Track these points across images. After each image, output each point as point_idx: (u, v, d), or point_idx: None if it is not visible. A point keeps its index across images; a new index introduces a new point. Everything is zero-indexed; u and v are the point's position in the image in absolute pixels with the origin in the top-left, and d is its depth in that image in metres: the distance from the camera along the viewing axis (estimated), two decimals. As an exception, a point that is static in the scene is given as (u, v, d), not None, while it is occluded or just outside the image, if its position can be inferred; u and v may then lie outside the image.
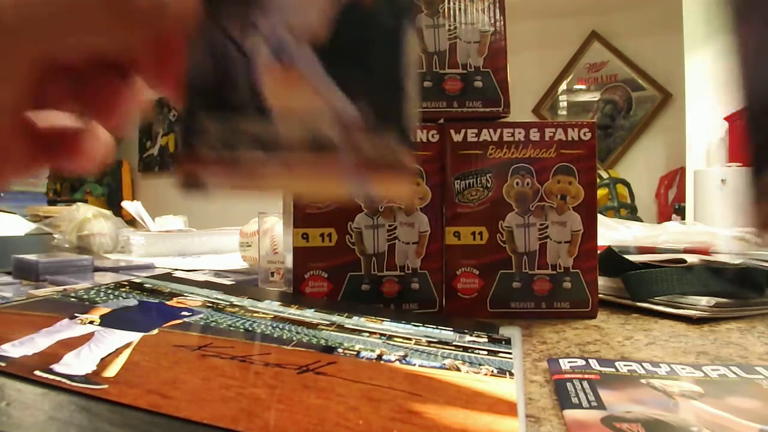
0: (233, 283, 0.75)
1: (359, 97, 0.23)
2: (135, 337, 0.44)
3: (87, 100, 0.23)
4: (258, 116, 0.22)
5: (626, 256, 0.70)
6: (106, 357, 0.39)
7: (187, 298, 0.54)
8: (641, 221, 1.97)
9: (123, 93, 0.24)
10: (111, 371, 0.37)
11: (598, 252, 0.64)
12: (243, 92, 0.22)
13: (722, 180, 2.52)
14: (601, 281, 0.67)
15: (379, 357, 0.40)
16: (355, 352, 0.41)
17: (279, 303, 0.55)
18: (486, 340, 0.47)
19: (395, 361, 0.40)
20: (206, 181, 0.22)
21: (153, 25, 0.21)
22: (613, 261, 0.70)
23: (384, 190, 0.22)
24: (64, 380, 0.35)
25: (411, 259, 0.61)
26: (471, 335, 0.48)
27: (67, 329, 0.45)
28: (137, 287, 0.59)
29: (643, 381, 0.37)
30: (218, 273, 0.88)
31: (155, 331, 0.46)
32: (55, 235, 1.33)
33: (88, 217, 1.32)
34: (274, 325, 0.46)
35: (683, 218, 2.83)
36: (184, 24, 0.22)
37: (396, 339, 0.45)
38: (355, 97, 0.23)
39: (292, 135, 0.22)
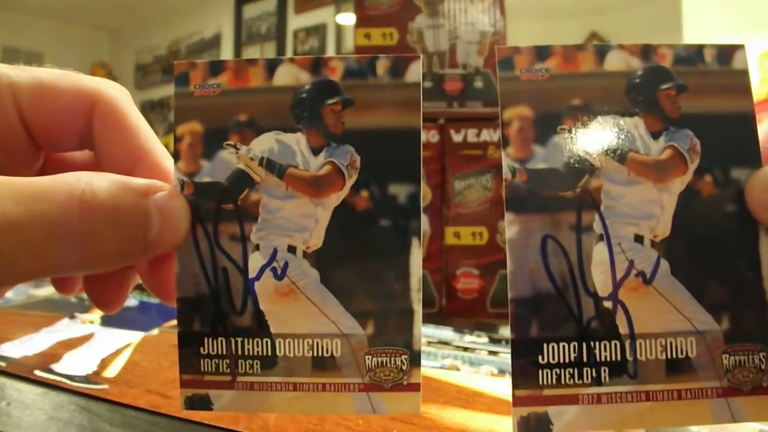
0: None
1: (364, 315, 0.21)
2: (135, 337, 0.44)
3: (90, 290, 0.24)
4: (260, 338, 0.21)
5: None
6: (106, 357, 0.39)
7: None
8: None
9: (122, 285, 0.24)
10: (111, 371, 0.37)
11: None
12: (243, 312, 0.22)
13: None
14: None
15: (379, 357, 0.40)
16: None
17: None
18: (486, 340, 0.47)
19: (395, 360, 0.40)
20: (213, 403, 0.22)
21: (131, 260, 0.20)
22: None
23: (392, 408, 0.21)
24: (64, 380, 0.35)
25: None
26: (471, 335, 0.48)
27: (67, 329, 0.45)
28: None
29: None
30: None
31: (155, 331, 0.46)
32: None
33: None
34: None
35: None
36: (170, 248, 0.21)
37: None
38: (359, 316, 0.21)
39: (295, 355, 0.21)
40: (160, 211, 0.20)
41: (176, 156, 0.22)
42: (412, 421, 0.30)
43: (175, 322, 0.22)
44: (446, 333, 0.48)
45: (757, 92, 2.25)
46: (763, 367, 0.21)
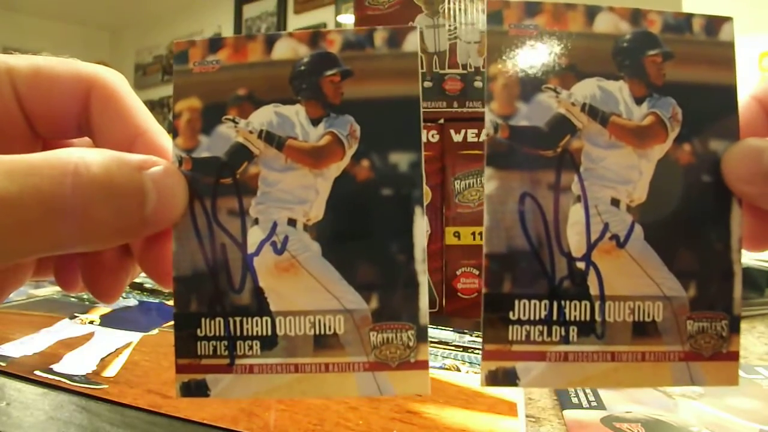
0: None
1: (367, 289, 0.20)
2: (135, 336, 0.44)
3: (87, 279, 0.23)
4: (259, 317, 0.21)
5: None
6: (106, 357, 0.39)
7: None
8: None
9: (120, 274, 0.23)
10: (111, 371, 0.37)
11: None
12: (241, 289, 0.21)
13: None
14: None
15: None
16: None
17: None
18: (486, 340, 0.47)
19: (395, 361, 0.40)
20: (210, 389, 0.21)
21: (129, 236, 0.20)
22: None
23: (401, 389, 0.20)
24: (64, 380, 0.35)
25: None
26: (471, 335, 0.48)
27: (67, 329, 0.45)
28: (137, 287, 0.59)
29: (643, 381, 0.37)
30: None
31: (155, 331, 0.46)
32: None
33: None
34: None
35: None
36: (168, 224, 0.21)
37: (396, 339, 0.45)
38: (362, 289, 0.20)
39: (296, 334, 0.21)
40: (156, 185, 0.19)
41: (174, 132, 0.21)
42: (411, 421, 0.30)
43: (175, 322, 0.22)
44: (446, 333, 0.48)
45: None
46: (724, 334, 0.21)
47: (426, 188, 0.62)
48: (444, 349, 0.44)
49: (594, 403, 0.33)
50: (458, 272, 0.62)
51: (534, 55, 0.21)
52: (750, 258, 0.73)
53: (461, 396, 0.34)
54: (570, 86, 0.22)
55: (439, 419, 0.31)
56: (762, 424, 0.31)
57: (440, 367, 0.39)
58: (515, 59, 0.21)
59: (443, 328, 0.50)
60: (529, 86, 0.21)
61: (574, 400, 0.34)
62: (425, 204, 0.66)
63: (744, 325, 0.59)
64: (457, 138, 0.62)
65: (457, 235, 0.62)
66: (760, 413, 0.32)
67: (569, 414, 0.32)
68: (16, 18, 3.95)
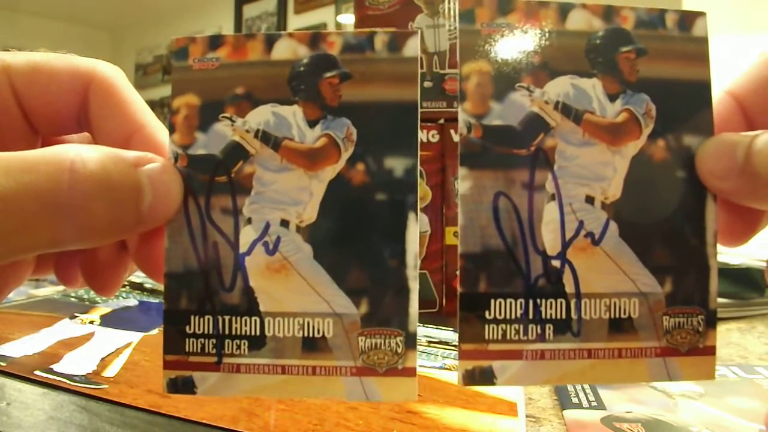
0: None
1: (358, 293, 0.20)
2: (135, 336, 0.44)
3: (86, 274, 0.23)
4: (248, 316, 0.21)
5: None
6: (106, 357, 0.39)
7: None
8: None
9: (119, 268, 0.23)
10: (111, 371, 0.37)
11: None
12: (232, 288, 0.21)
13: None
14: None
15: (379, 357, 0.40)
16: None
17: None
18: (486, 340, 0.47)
19: (395, 361, 0.39)
20: (197, 387, 0.21)
21: (125, 233, 0.20)
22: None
23: (386, 395, 0.20)
24: (64, 380, 0.35)
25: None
26: (471, 335, 0.48)
27: (67, 329, 0.45)
28: (137, 287, 0.59)
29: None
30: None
31: (155, 331, 0.46)
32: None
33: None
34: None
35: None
36: (163, 221, 0.21)
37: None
38: (352, 294, 0.20)
39: (285, 335, 0.21)
40: (152, 182, 0.19)
41: (171, 128, 0.21)
42: (411, 421, 0.30)
43: (175, 322, 0.22)
44: (446, 333, 0.48)
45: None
46: (700, 329, 0.21)
47: (426, 188, 0.62)
48: (444, 349, 0.44)
49: (594, 403, 0.33)
50: (458, 272, 0.62)
51: (507, 54, 0.21)
52: (750, 258, 0.73)
53: (461, 396, 0.34)
54: (543, 84, 0.21)
55: (439, 419, 0.31)
56: (762, 424, 0.31)
57: (440, 367, 0.39)
58: (488, 58, 0.21)
59: (443, 328, 0.50)
60: (502, 85, 0.21)
61: (574, 400, 0.34)
62: (425, 204, 0.66)
63: (744, 325, 0.59)
64: (457, 138, 0.62)
65: (458, 235, 0.62)
66: (760, 413, 0.32)
67: (569, 414, 0.32)
68: (16, 18, 3.95)
